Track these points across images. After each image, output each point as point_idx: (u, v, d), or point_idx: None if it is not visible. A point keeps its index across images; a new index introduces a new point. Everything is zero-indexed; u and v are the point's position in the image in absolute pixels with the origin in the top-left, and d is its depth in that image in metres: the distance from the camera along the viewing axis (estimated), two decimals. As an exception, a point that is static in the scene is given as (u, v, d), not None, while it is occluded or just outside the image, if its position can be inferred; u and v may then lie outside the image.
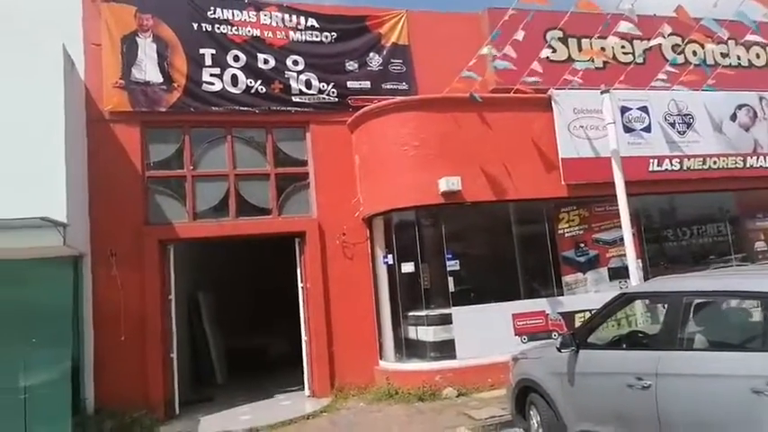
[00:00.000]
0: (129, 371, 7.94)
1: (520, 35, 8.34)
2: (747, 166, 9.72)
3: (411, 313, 8.74)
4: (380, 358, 9.02)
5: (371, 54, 9.73)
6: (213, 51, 9.05)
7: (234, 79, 9.07)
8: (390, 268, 8.94)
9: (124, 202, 8.42)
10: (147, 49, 8.81)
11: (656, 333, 4.65)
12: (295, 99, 9.31)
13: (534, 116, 8.97)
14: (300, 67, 9.39)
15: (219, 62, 9.05)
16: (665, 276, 5.32)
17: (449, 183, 8.23)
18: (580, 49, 10.10)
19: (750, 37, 9.13)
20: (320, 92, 9.41)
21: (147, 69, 8.76)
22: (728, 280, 4.24)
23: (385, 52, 9.79)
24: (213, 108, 8.95)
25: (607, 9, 8.73)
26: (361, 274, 9.14)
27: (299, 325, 9.14)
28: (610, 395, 4.41)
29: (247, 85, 9.10)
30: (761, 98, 10.01)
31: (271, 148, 9.35)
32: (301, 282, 9.20)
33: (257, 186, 9.26)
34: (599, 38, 9.50)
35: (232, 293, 12.11)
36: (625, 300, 5.01)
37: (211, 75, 9.00)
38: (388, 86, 9.69)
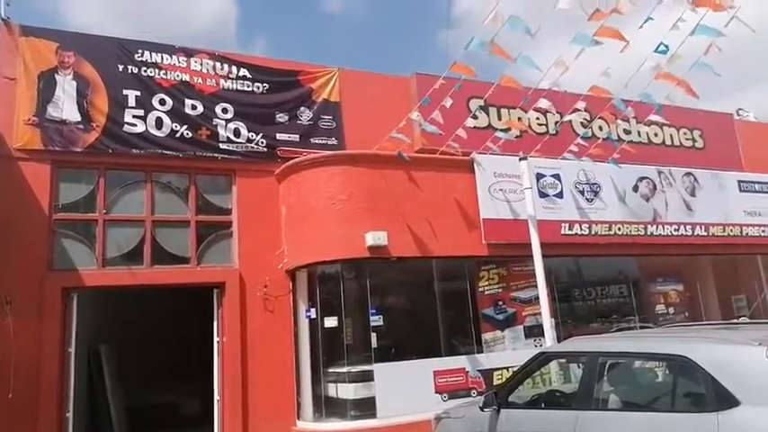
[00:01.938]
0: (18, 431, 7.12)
1: (448, 102, 8.77)
2: (648, 233, 10.53)
3: (332, 370, 8.54)
4: (298, 418, 8.67)
5: (302, 108, 9.83)
6: (138, 93, 8.80)
7: (158, 122, 8.82)
8: (313, 322, 8.75)
9: (25, 246, 7.78)
10: (65, 87, 8.42)
11: (572, 392, 4.82)
12: (222, 146, 9.15)
13: (458, 177, 9.34)
14: (229, 116, 9.30)
15: (144, 104, 8.79)
16: (582, 337, 5.56)
17: (375, 237, 8.30)
18: (500, 117, 10.74)
19: (651, 117, 10.11)
20: (249, 141, 9.33)
21: (65, 107, 8.35)
22: (642, 342, 4.52)
23: (316, 107, 9.93)
24: (134, 150, 8.61)
25: (527, 83, 9.42)
26: (282, 328, 8.88)
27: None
28: (530, 455, 4.47)
29: (172, 129, 8.87)
30: (659, 172, 11.01)
31: (193, 194, 9.07)
32: (217, 335, 8.79)
33: (176, 234, 8.89)
34: (519, 109, 10.17)
35: (142, 347, 11.33)
36: (544, 359, 5.18)
37: (134, 116, 8.71)
38: (317, 141, 9.78)
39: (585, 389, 4.33)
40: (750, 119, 15.73)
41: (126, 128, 8.61)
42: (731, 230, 11.36)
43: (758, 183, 12.08)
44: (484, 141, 9.79)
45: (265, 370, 8.59)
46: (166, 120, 8.85)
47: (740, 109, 15.71)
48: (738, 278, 12.81)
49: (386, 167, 8.87)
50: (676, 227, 10.82)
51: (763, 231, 11.70)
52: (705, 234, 11.05)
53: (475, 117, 9.79)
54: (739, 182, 11.89)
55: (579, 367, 4.81)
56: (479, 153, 9.62)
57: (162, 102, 8.91)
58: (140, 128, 8.69)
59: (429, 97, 8.75)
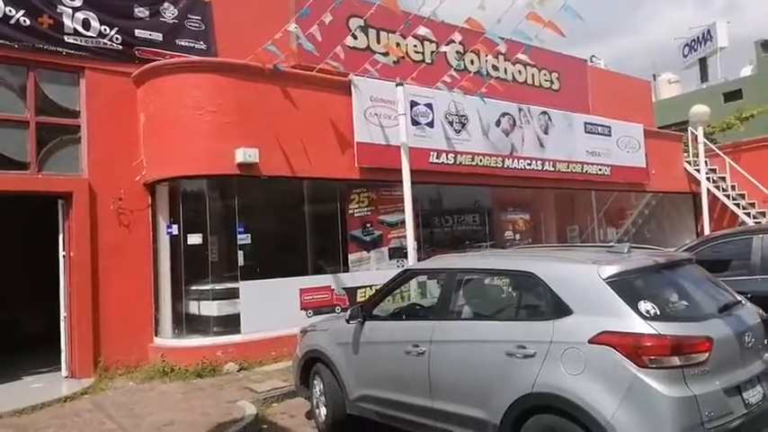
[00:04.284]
0: None
1: (327, 18, 8.43)
2: (505, 166, 11.34)
3: (194, 287, 8.32)
4: (156, 335, 8.43)
5: (166, 4, 8.85)
6: (-40, -37, 7.34)
7: (-13, 4, 7.48)
8: (174, 239, 8.37)
9: None
10: None
11: (431, 305, 5.19)
12: (68, 39, 8.03)
13: (334, 98, 9.18)
14: (77, 3, 8.12)
15: (-33, -22, 7.37)
16: (442, 255, 5.95)
17: (246, 154, 7.99)
18: (379, 41, 10.61)
19: (519, 55, 10.59)
20: (101, 35, 8.27)
21: None
22: (495, 260, 4.95)
23: (182, 5, 8.99)
24: (-45, 33, 7.27)
25: (409, 9, 9.34)
26: (140, 243, 8.38)
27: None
28: (390, 361, 4.80)
29: (6, 14, 7.58)
30: (519, 109, 11.75)
31: (32, 91, 7.95)
32: (63, 250, 8.07)
33: (11, 135, 7.84)
34: (398, 34, 10.10)
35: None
36: (409, 275, 5.49)
37: (-45, -8, 7.28)
38: (183, 43, 8.95)
39: (443, 302, 4.69)
40: (601, 66, 17.24)
41: (-58, 4, 7.19)
42: (574, 167, 12.62)
43: (600, 125, 13.44)
44: (362, 63, 9.65)
45: (120, 286, 8.11)
46: (-2, 1, 7.53)
47: (593, 56, 17.15)
48: (574, 210, 14.43)
49: (260, 81, 8.44)
50: (529, 161, 11.76)
51: (600, 170, 13.18)
52: (552, 169, 12.18)
53: (354, 37, 9.58)
54: (585, 123, 13.12)
55: (438, 283, 5.16)
56: (357, 75, 9.50)
57: (-9, -22, 7.52)
58: (-38, 6, 7.32)
59: (308, 8, 8.34)
